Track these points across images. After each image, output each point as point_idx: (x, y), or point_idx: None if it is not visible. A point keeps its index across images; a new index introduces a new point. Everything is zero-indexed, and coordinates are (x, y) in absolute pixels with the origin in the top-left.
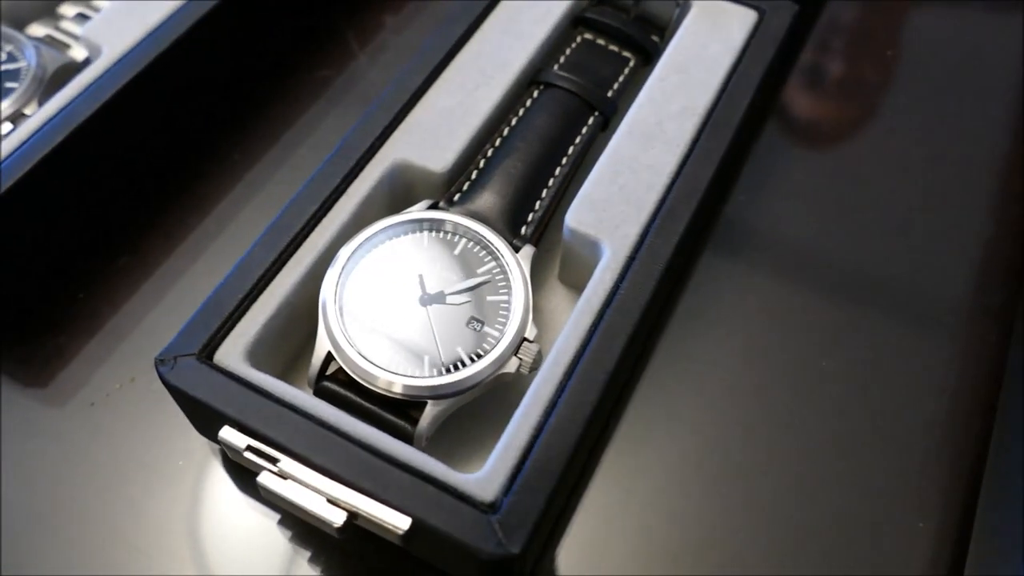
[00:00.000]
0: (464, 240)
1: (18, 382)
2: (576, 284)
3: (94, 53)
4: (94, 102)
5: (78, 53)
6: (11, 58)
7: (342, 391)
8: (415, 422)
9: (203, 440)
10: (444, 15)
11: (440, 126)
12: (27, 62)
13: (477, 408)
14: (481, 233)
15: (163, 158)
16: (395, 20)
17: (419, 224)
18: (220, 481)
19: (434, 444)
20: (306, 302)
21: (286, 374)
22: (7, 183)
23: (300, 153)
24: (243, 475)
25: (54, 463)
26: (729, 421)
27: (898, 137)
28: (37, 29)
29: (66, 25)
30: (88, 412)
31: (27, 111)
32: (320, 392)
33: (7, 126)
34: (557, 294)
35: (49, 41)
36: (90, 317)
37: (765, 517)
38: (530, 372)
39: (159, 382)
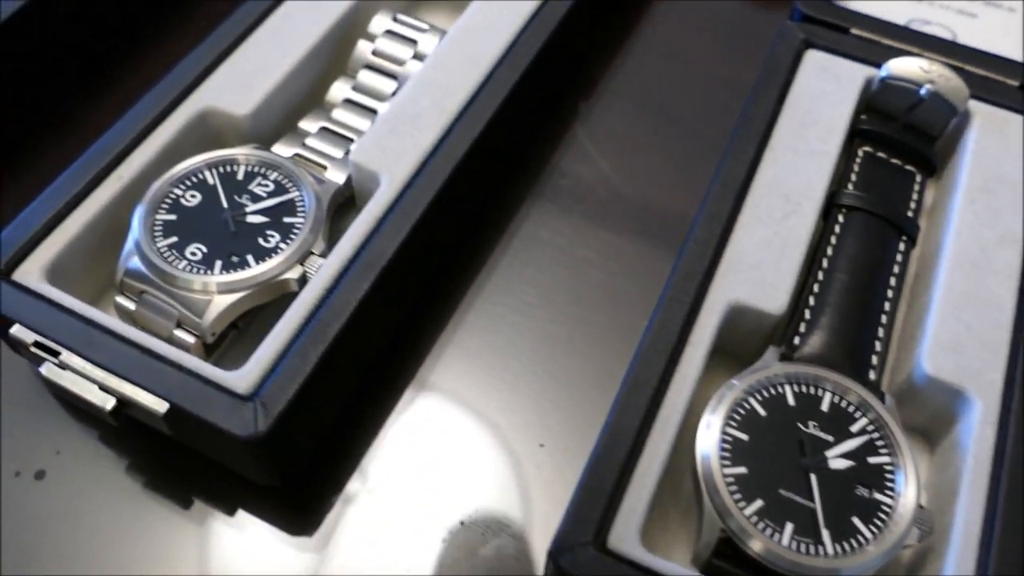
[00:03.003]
0: (830, 395)
1: None
2: None
3: (365, 178)
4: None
5: (335, 174)
6: (280, 188)
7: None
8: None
9: None
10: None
11: (763, 261)
12: (300, 192)
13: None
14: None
15: None
16: None
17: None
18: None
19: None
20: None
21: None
22: None
23: None
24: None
25: None
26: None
27: None
28: (282, 148)
29: (313, 143)
30: None
31: (315, 249)
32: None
33: (297, 270)
34: None
35: (299, 161)
36: None
37: None
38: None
39: None
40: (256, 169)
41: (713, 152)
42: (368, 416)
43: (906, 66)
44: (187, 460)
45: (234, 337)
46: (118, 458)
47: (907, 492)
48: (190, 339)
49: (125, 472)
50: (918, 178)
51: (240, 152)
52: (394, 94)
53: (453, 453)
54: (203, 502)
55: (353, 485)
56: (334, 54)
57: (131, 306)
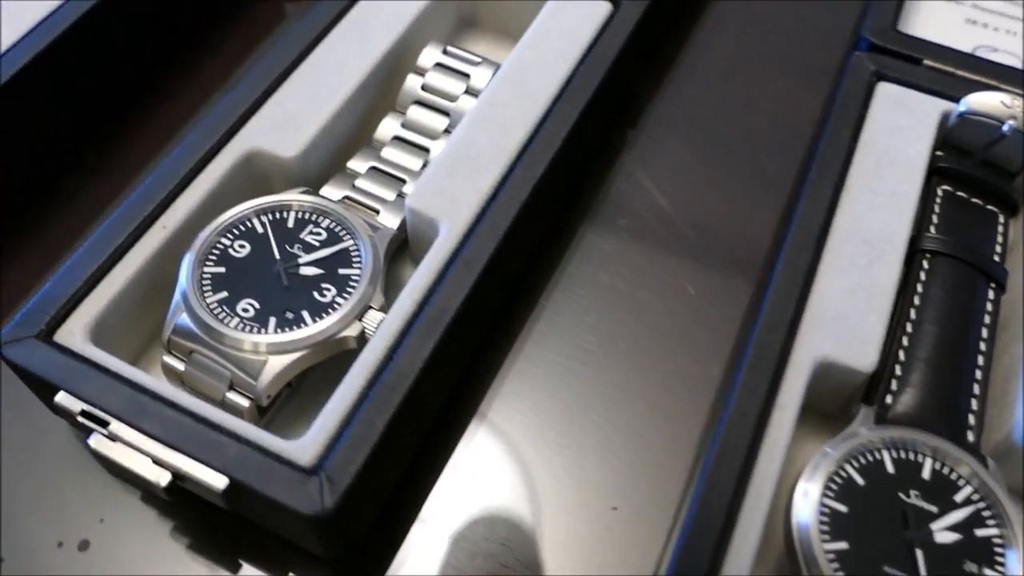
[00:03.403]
0: (930, 460)
1: None
2: None
3: (423, 224)
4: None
5: (388, 218)
6: (333, 236)
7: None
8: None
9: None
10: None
11: (848, 314)
12: (355, 241)
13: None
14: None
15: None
16: None
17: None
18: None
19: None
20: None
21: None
22: None
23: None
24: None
25: None
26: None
27: None
28: (331, 191)
29: (363, 184)
30: None
31: (373, 303)
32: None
33: (356, 326)
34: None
35: (350, 205)
36: None
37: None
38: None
39: None
40: (307, 216)
41: (773, 186)
42: (426, 473)
43: (987, 100)
44: (240, 527)
45: (287, 396)
46: (165, 525)
47: (1019, 570)
48: (244, 402)
49: (173, 539)
50: (1001, 218)
51: (290, 198)
52: (446, 131)
53: (517, 513)
54: (256, 572)
55: (412, 548)
56: (380, 89)
57: (180, 366)
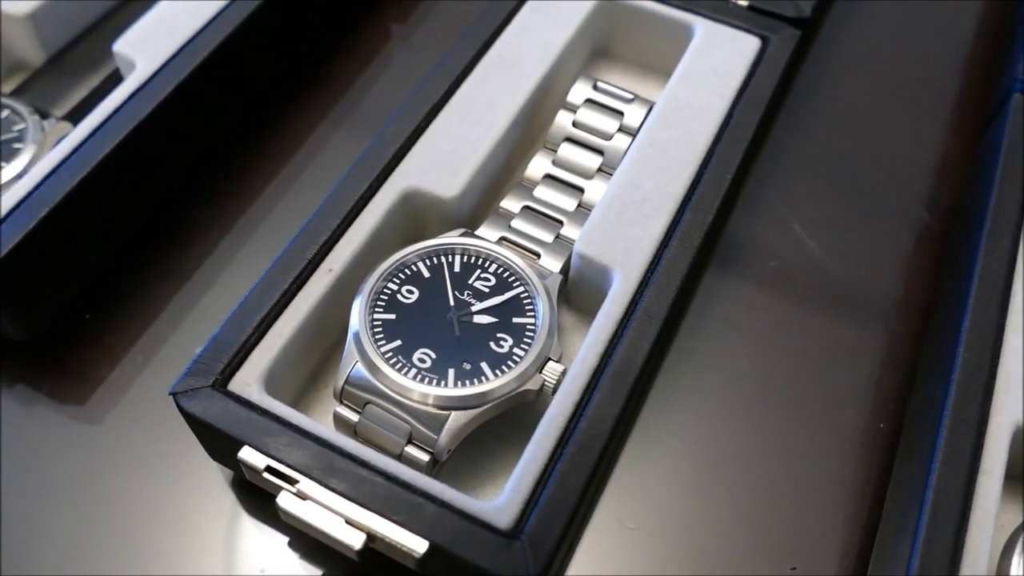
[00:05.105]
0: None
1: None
2: None
3: (593, 271)
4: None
5: (549, 262)
6: (502, 283)
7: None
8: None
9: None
10: None
11: None
12: (525, 289)
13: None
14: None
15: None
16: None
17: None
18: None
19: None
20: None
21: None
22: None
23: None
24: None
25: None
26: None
27: None
28: (488, 232)
29: (519, 225)
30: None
31: (552, 355)
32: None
33: (537, 379)
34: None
35: (511, 248)
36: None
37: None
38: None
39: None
40: (473, 260)
41: (921, 231)
42: (597, 532)
43: None
44: None
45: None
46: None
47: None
48: (424, 457)
49: None
50: None
51: (454, 241)
52: (600, 170)
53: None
54: None
55: None
56: (528, 124)
57: (353, 417)
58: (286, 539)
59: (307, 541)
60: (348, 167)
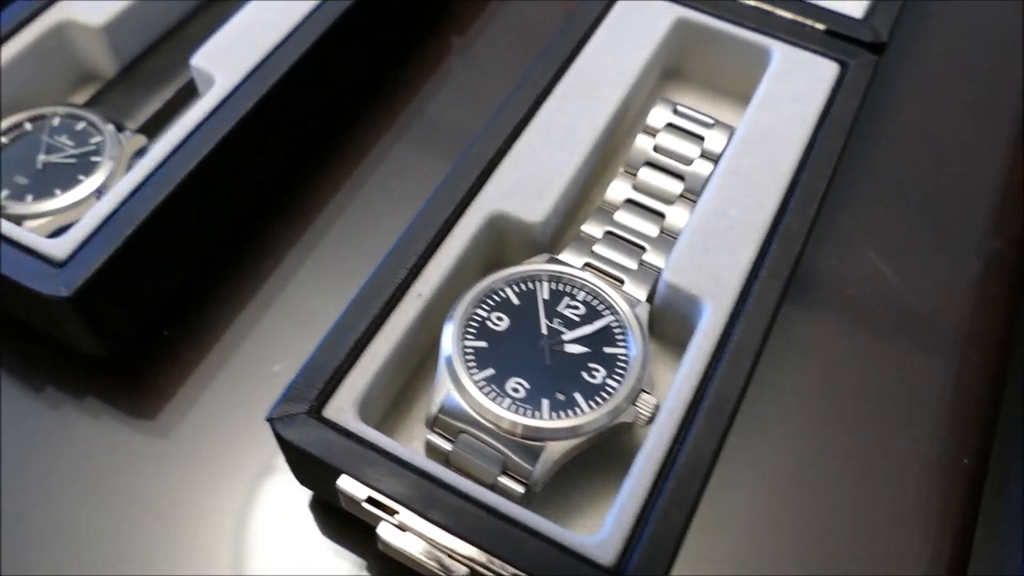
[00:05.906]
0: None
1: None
2: None
3: (681, 301)
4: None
5: (634, 289)
6: (592, 311)
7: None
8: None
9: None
10: None
11: None
12: (615, 317)
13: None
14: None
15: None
16: None
17: None
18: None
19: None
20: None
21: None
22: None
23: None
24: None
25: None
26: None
27: None
28: (571, 257)
29: (601, 251)
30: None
31: (645, 387)
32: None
33: (631, 411)
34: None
35: (596, 274)
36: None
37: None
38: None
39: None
40: (561, 288)
41: (992, 261)
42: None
43: None
44: None
45: None
46: None
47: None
48: (519, 488)
49: None
50: None
51: (540, 268)
52: (681, 196)
53: None
54: None
55: None
56: (606, 148)
57: (446, 446)
58: (363, 562)
59: (385, 567)
60: (409, 179)
